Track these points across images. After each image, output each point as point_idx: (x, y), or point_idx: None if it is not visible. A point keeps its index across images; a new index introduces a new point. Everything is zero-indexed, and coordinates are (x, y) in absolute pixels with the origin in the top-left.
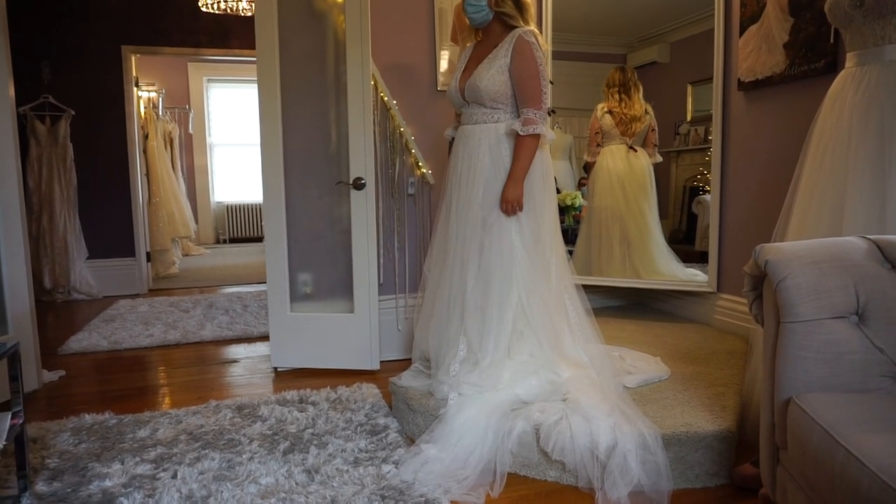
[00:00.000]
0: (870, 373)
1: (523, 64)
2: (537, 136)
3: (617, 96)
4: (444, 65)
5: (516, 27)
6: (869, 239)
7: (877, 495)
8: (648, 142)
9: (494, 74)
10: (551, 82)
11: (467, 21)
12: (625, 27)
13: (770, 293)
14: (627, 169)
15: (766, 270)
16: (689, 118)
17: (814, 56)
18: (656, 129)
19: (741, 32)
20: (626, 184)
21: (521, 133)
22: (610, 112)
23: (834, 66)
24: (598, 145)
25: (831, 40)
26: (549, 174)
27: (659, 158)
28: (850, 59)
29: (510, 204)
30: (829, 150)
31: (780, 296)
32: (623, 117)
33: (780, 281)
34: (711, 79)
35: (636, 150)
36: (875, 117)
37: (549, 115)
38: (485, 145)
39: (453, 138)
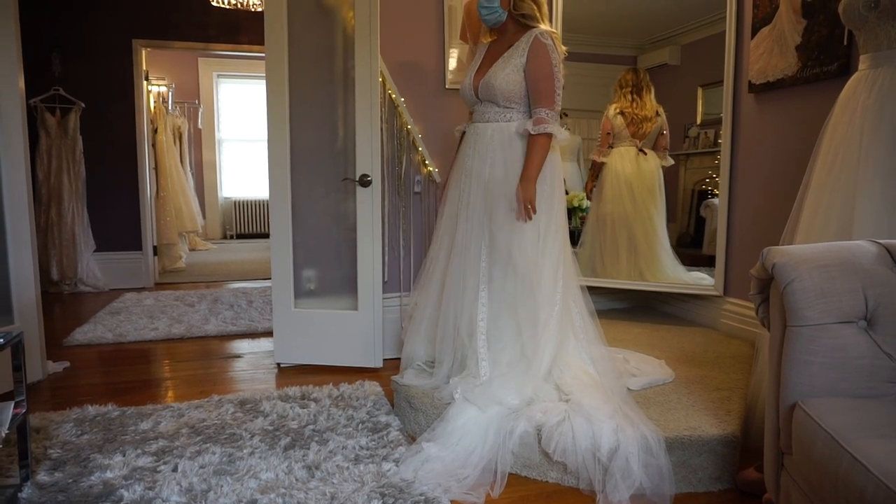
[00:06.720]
0: (877, 379)
1: (538, 64)
2: (549, 136)
3: (629, 97)
4: (452, 63)
5: (532, 27)
6: (879, 243)
7: (882, 502)
8: (659, 145)
9: (509, 73)
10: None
11: (481, 21)
12: (635, 29)
13: (777, 296)
14: (636, 171)
15: (773, 273)
16: (698, 121)
17: (826, 58)
18: (667, 131)
19: (753, 34)
20: (635, 186)
21: (532, 132)
22: (622, 113)
23: (847, 69)
24: (610, 146)
25: (845, 42)
26: (558, 177)
27: (670, 161)
28: (863, 62)
29: (524, 204)
30: (839, 153)
31: (787, 299)
32: (634, 118)
33: (787, 284)
34: (722, 82)
35: (646, 153)
36: (888, 120)
37: (561, 117)
38: (496, 144)
39: (463, 133)
